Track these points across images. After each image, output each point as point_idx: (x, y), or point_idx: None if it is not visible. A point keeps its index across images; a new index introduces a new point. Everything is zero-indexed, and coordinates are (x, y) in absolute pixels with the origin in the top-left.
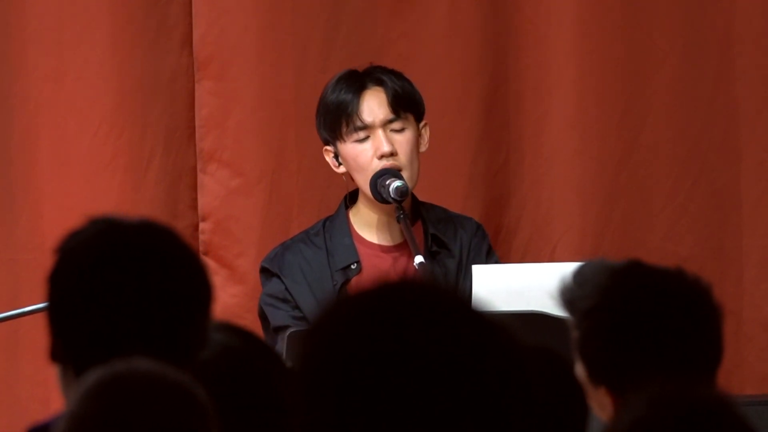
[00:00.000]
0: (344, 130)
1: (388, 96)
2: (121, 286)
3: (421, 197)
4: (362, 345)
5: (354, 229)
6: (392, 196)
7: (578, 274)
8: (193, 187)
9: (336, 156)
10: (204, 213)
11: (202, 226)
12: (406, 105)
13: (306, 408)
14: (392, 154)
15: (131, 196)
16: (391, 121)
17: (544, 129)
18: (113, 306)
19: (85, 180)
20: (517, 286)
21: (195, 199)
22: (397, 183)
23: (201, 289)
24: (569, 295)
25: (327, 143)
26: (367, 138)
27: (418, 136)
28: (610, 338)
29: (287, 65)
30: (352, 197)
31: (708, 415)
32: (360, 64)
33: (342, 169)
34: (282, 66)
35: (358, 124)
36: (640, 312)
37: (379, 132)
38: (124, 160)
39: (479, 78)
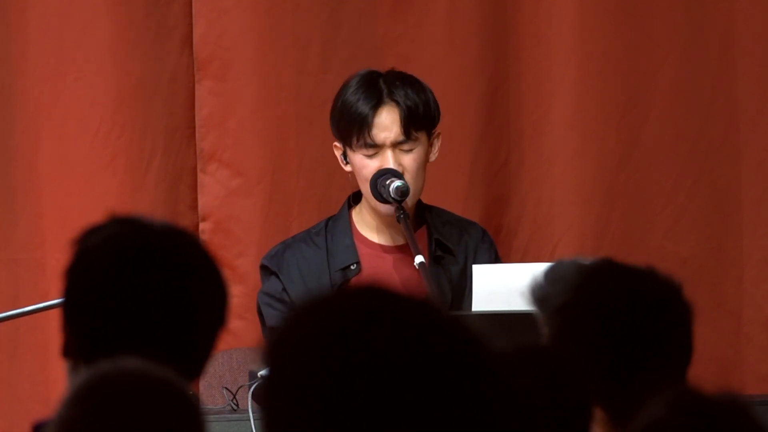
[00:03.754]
0: (354, 142)
1: (401, 118)
2: (138, 287)
3: (422, 197)
4: (328, 354)
5: (356, 229)
6: (392, 195)
7: (550, 273)
8: (194, 187)
9: (344, 154)
10: (204, 213)
11: (202, 226)
12: (419, 124)
13: (278, 414)
14: None
15: (131, 196)
16: (401, 142)
17: (544, 129)
18: (128, 306)
19: (85, 180)
20: (517, 286)
21: (195, 199)
22: (397, 183)
23: (217, 296)
24: (540, 292)
25: (338, 140)
26: (375, 154)
27: (429, 148)
28: (581, 335)
29: (287, 65)
30: (355, 197)
31: (726, 416)
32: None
33: (349, 168)
34: (282, 66)
35: (369, 141)
36: (611, 308)
37: (388, 152)
38: (124, 160)
39: (479, 78)
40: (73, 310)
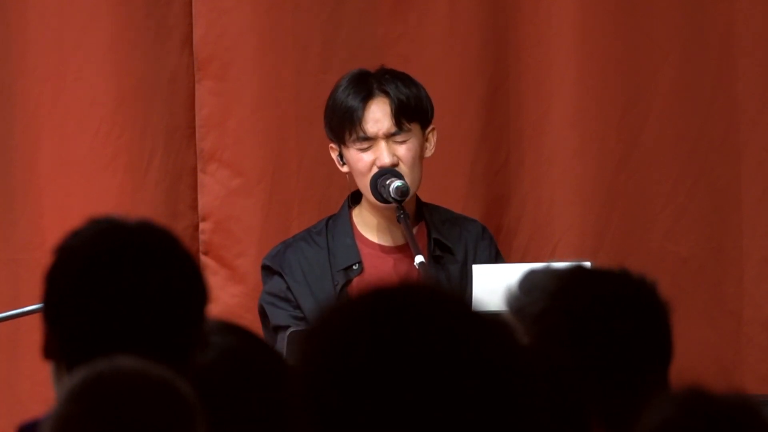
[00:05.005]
0: (347, 137)
1: (392, 108)
2: (117, 286)
3: (421, 197)
4: (362, 348)
5: (357, 229)
6: (392, 195)
7: (524, 282)
8: (194, 187)
9: (341, 155)
10: (204, 213)
11: (202, 226)
12: (411, 116)
13: (307, 410)
14: (393, 165)
15: (131, 197)
16: (394, 134)
17: (544, 129)
18: (109, 305)
19: (85, 180)
20: None
21: (195, 199)
22: (397, 183)
23: (196, 290)
24: (517, 303)
25: (332, 141)
26: (369, 147)
27: (423, 142)
28: (559, 342)
29: (287, 65)
30: (355, 197)
31: (735, 416)
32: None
33: (345, 169)
34: (282, 66)
35: (361, 134)
36: (586, 313)
37: (382, 144)
38: (124, 160)
39: (479, 78)
40: (54, 310)
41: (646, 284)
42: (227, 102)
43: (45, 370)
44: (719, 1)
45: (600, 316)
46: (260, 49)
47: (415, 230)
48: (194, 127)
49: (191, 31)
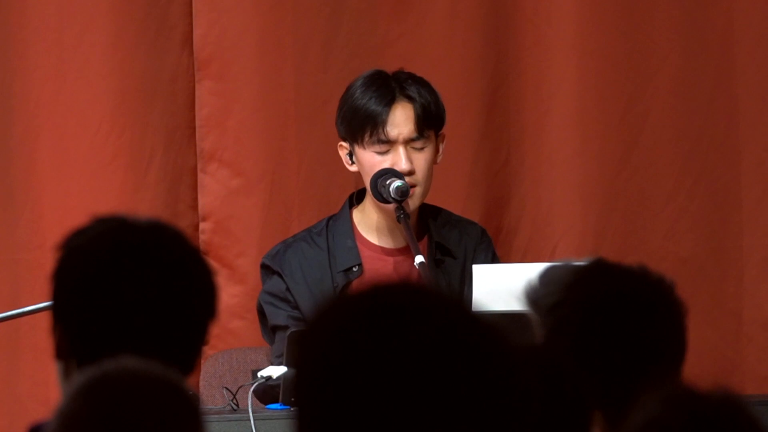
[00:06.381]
0: (366, 138)
1: (415, 114)
2: (126, 285)
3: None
4: (357, 348)
5: (357, 230)
6: (392, 195)
7: (543, 275)
8: (194, 187)
9: (350, 154)
10: (204, 213)
11: (202, 226)
12: (432, 122)
13: (303, 408)
14: (410, 173)
15: (131, 196)
16: (413, 140)
17: (544, 129)
18: (117, 304)
19: (86, 180)
20: (517, 286)
21: (195, 199)
22: (397, 183)
23: (206, 290)
24: (534, 294)
25: (344, 140)
26: (387, 151)
27: (436, 150)
28: (571, 334)
29: (287, 65)
30: (357, 197)
31: (723, 415)
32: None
33: (354, 168)
34: (282, 66)
35: (382, 137)
36: (599, 308)
37: (401, 149)
38: (125, 159)
39: (479, 78)
40: (62, 312)
41: (664, 283)
42: (227, 102)
43: (45, 370)
44: (719, 1)
45: (612, 312)
46: (260, 49)
47: (419, 242)
48: (194, 127)
49: (191, 31)
